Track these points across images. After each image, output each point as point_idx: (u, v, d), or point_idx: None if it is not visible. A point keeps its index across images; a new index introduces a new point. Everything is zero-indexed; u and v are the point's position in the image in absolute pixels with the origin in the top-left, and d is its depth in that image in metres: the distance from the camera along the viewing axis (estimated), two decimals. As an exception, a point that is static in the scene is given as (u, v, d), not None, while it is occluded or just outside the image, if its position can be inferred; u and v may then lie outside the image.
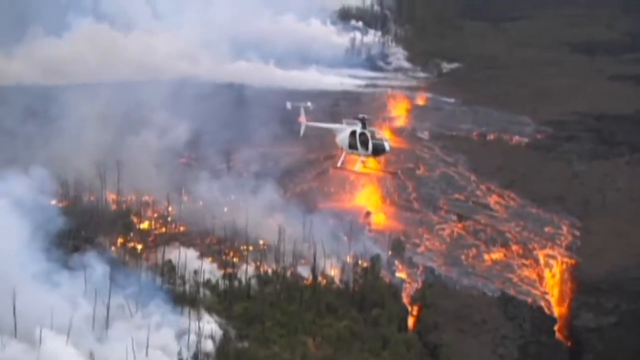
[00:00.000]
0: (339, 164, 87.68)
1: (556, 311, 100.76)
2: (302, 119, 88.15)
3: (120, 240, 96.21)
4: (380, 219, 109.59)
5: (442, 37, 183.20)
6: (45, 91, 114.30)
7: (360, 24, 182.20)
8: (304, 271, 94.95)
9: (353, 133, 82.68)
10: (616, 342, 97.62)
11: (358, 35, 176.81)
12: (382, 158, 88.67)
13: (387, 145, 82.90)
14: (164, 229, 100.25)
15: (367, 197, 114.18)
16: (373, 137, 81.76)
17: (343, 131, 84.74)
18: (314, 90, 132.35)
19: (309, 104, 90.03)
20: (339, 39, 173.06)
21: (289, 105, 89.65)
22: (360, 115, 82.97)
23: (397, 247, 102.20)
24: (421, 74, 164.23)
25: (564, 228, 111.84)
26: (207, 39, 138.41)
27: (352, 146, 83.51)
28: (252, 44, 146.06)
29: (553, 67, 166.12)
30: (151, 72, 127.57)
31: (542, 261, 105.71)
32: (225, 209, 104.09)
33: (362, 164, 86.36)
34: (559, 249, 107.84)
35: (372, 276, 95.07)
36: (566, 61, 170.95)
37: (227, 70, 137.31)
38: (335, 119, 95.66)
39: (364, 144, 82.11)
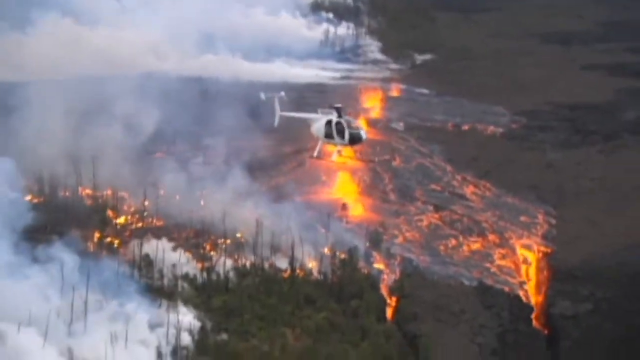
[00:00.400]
0: (315, 154, 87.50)
1: (533, 299, 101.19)
2: (277, 108, 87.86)
3: (96, 235, 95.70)
4: (357, 210, 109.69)
5: (415, 28, 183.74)
6: (11, 87, 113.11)
7: (331, 15, 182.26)
8: (282, 263, 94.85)
9: (329, 122, 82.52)
10: (592, 329, 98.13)
11: (331, 27, 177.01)
12: (358, 147, 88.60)
13: (363, 134, 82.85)
14: (140, 224, 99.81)
15: (343, 189, 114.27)
16: (349, 126, 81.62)
17: (318, 121, 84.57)
18: (288, 83, 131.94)
19: (282, 94, 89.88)
20: (311, 31, 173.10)
21: (262, 96, 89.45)
22: (336, 105, 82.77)
23: (375, 239, 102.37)
24: (394, 66, 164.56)
25: (539, 217, 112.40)
26: (175, 32, 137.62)
27: (328, 135, 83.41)
28: (221, 37, 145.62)
29: (526, 57, 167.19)
30: (118, 66, 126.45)
31: (518, 250, 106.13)
32: (202, 202, 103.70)
33: (339, 153, 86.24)
34: (535, 237, 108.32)
35: (350, 267, 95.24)
36: (539, 51, 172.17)
37: (195, 64, 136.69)
38: (309, 111, 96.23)
39: (341, 133, 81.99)
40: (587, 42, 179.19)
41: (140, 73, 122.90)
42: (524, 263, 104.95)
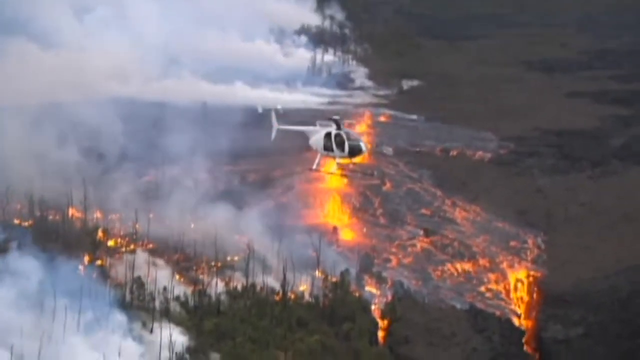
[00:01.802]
0: (314, 167, 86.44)
1: (524, 323, 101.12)
2: (274, 122, 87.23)
3: (87, 258, 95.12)
4: (347, 234, 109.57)
5: (401, 55, 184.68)
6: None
7: (302, 38, 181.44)
8: (274, 286, 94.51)
9: (328, 135, 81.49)
10: (584, 353, 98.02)
11: (318, 54, 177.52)
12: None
13: (363, 146, 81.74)
14: (131, 246, 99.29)
15: (333, 213, 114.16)
16: (349, 138, 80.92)
17: (317, 133, 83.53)
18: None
19: (279, 107, 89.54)
20: (296, 58, 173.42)
21: (259, 109, 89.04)
22: (334, 117, 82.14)
23: (366, 262, 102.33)
24: (381, 92, 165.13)
25: (529, 242, 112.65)
26: (144, 57, 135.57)
27: (327, 148, 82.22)
28: (198, 62, 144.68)
29: (512, 84, 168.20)
30: (83, 91, 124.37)
31: (509, 274, 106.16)
32: (192, 226, 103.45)
33: (338, 165, 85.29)
34: (525, 262, 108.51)
35: (342, 291, 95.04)
36: (524, 79, 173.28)
37: (164, 87, 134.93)
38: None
39: (340, 145, 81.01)
40: (571, 70, 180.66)
41: (107, 97, 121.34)
42: (514, 287, 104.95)
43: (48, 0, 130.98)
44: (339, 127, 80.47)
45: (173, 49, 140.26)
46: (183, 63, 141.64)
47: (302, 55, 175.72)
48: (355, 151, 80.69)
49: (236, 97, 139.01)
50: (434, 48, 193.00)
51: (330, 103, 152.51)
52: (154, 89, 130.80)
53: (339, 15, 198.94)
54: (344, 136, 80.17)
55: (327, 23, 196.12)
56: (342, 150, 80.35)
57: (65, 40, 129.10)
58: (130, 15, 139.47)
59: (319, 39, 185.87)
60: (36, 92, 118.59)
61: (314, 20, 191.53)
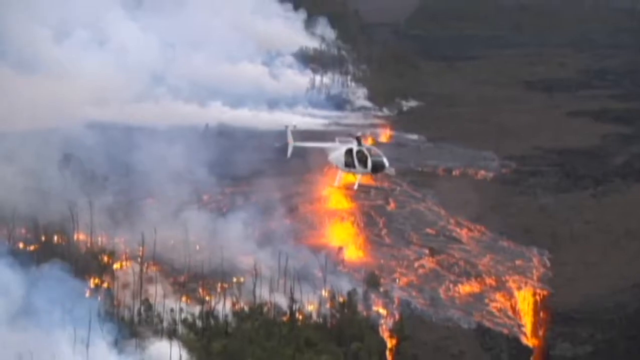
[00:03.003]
0: (336, 183, 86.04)
1: (532, 341, 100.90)
2: (289, 139, 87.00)
3: (94, 282, 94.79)
4: (353, 254, 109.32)
5: (400, 76, 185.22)
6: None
7: (291, 59, 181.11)
8: (281, 307, 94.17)
9: (349, 151, 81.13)
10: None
11: (317, 76, 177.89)
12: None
13: (386, 162, 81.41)
14: (138, 269, 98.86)
15: (338, 233, 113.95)
16: (371, 154, 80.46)
17: (337, 150, 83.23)
18: (276, 130, 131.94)
19: (294, 124, 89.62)
20: (290, 81, 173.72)
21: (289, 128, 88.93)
22: (356, 134, 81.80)
23: (372, 282, 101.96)
24: (382, 113, 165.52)
25: (535, 260, 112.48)
26: (126, 80, 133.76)
27: (348, 165, 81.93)
28: (190, 85, 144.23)
29: (511, 104, 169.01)
30: (67, 116, 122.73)
31: (515, 293, 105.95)
32: (197, 247, 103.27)
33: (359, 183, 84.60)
34: (531, 280, 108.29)
35: (349, 310, 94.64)
36: (523, 98, 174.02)
37: (144, 110, 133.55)
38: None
39: (362, 161, 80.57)
40: (570, 89, 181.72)
41: (89, 122, 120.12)
42: (521, 305, 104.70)
43: (25, 24, 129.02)
44: (359, 144, 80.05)
45: (156, 72, 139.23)
46: (167, 85, 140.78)
47: (299, 78, 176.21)
48: (378, 167, 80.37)
49: (238, 120, 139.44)
50: (432, 69, 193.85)
51: (330, 124, 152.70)
52: (134, 112, 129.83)
53: (329, 34, 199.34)
54: (366, 152, 79.75)
55: (324, 46, 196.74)
56: (365, 166, 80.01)
57: (43, 65, 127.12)
58: (110, 38, 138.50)
59: (317, 61, 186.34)
60: (16, 118, 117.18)
61: (304, 41, 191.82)
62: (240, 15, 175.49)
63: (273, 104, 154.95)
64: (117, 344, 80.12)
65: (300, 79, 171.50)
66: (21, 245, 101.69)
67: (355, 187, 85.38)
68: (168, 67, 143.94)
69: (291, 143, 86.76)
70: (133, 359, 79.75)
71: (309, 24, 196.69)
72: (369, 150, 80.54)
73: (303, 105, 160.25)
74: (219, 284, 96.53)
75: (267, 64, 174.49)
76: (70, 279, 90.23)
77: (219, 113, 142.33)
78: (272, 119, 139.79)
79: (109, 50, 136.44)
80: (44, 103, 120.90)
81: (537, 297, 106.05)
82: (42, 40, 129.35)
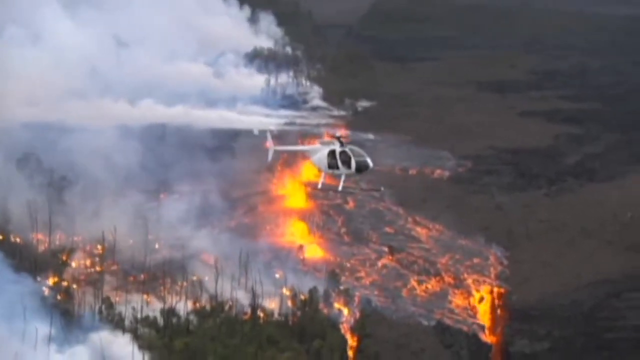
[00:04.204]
0: (319, 186, 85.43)
1: (491, 338, 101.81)
2: (269, 143, 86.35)
3: (53, 280, 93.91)
4: (313, 252, 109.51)
5: (354, 76, 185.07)
6: None
7: (229, 56, 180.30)
8: (243, 305, 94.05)
9: (332, 152, 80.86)
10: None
11: (271, 76, 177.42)
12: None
13: (370, 162, 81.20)
14: (98, 267, 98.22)
15: (298, 232, 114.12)
16: (355, 154, 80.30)
17: (319, 151, 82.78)
18: (232, 130, 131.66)
19: (272, 128, 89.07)
20: (251, 80, 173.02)
21: (255, 131, 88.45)
22: (337, 134, 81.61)
23: (333, 279, 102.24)
24: (337, 112, 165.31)
25: (492, 258, 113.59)
26: (61, 77, 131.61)
27: (332, 166, 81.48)
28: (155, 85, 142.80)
29: (465, 104, 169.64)
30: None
31: (473, 290, 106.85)
32: (157, 246, 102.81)
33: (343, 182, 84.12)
34: (489, 278, 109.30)
35: (310, 308, 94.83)
36: (477, 99, 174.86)
37: (76, 109, 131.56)
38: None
39: (346, 162, 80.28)
40: (522, 90, 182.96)
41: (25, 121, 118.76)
42: (480, 303, 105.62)
43: None
44: (342, 145, 79.84)
45: (92, 69, 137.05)
46: (103, 83, 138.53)
47: (246, 77, 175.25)
48: (362, 167, 79.94)
49: (189, 118, 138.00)
50: (386, 70, 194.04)
51: (286, 124, 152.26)
52: (68, 110, 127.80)
53: (274, 32, 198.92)
54: (350, 153, 79.48)
55: (277, 45, 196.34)
56: (348, 167, 79.60)
57: None
58: (46, 35, 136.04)
59: (270, 60, 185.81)
60: None
61: (249, 40, 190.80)
62: (184, 12, 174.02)
63: (212, 102, 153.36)
64: (78, 342, 79.39)
65: (247, 79, 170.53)
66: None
67: (340, 188, 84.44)
68: (105, 64, 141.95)
69: (271, 147, 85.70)
70: (94, 357, 78.93)
71: (254, 22, 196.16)
72: (352, 151, 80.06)
73: (252, 104, 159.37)
74: (180, 282, 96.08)
75: (211, 63, 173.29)
76: (28, 278, 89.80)
77: (149, 111, 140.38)
78: (213, 117, 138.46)
79: (44, 47, 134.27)
80: None
81: (495, 295, 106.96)
82: None
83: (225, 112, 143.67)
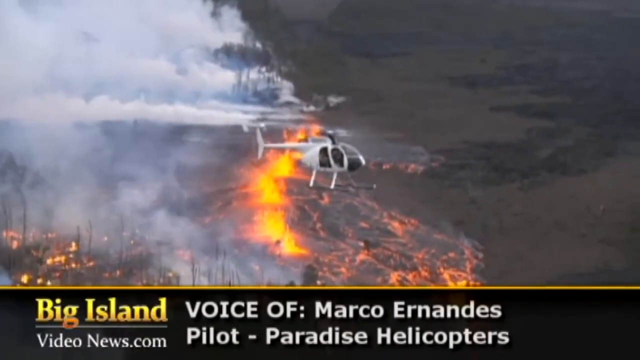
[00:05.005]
0: (311, 184, 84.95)
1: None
2: (259, 140, 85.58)
3: (26, 278, 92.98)
4: (289, 248, 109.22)
5: (325, 72, 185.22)
6: None
7: (191, 51, 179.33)
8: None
9: (324, 150, 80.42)
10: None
11: (241, 72, 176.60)
12: None
13: (362, 159, 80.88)
14: (73, 265, 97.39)
15: (273, 227, 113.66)
16: (347, 152, 79.86)
17: (310, 149, 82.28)
18: (197, 125, 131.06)
19: (263, 125, 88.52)
20: (220, 76, 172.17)
21: (245, 128, 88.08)
22: (329, 132, 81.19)
23: (310, 275, 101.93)
24: (308, 108, 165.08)
25: (467, 252, 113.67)
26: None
27: (323, 164, 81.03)
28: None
29: (436, 99, 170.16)
30: None
31: (450, 284, 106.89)
32: (132, 242, 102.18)
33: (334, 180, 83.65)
34: (465, 273, 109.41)
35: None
36: (448, 94, 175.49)
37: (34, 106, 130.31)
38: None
39: (338, 160, 79.89)
40: (493, 85, 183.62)
41: None
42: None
43: None
44: (334, 142, 79.47)
45: (47, 65, 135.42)
46: (57, 80, 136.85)
47: (224, 73, 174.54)
48: (354, 165, 79.82)
49: (146, 114, 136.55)
50: (357, 65, 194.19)
51: (258, 120, 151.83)
52: (21, 107, 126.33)
53: (238, 26, 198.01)
54: (342, 150, 79.19)
55: (246, 41, 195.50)
56: (341, 165, 79.33)
57: None
58: None
59: (241, 57, 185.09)
60: None
61: (213, 34, 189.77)
62: (145, 6, 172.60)
63: (171, 97, 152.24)
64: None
65: (214, 75, 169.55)
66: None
67: (332, 186, 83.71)
68: (64, 60, 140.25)
69: (262, 145, 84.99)
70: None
71: (217, 16, 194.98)
72: (344, 148, 79.72)
73: (220, 100, 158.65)
74: (156, 278, 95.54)
75: (174, 59, 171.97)
76: (1, 276, 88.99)
77: (103, 108, 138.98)
78: (169, 112, 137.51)
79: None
80: None
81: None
82: None
83: (183, 107, 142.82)
